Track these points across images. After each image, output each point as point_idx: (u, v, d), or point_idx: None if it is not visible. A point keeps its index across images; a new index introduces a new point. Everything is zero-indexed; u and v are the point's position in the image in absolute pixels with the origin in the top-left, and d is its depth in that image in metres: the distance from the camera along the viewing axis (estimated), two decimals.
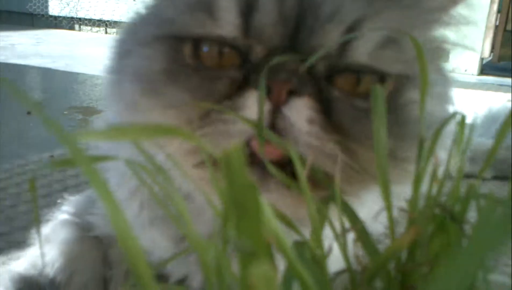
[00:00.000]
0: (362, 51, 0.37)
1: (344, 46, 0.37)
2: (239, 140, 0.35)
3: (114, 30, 4.51)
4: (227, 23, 0.37)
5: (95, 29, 4.60)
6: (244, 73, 0.38)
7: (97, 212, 0.56)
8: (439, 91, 0.43)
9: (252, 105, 0.36)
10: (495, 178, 1.21)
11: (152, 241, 0.50)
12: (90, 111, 1.70)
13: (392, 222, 0.32)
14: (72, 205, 0.62)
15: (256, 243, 0.17)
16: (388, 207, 0.32)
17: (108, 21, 4.51)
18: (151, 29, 0.42)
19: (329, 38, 0.36)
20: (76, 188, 1.00)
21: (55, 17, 4.75)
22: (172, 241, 0.50)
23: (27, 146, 1.31)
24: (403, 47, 0.38)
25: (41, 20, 4.82)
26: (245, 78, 0.38)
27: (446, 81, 0.45)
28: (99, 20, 4.55)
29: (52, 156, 1.18)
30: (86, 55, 3.07)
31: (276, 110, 0.36)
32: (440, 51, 0.44)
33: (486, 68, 3.32)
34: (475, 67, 3.22)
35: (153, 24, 0.43)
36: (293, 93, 0.36)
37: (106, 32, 4.56)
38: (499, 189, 1.14)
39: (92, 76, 2.33)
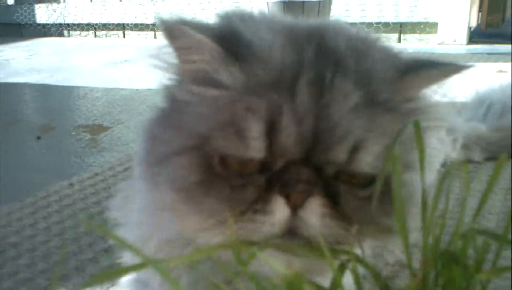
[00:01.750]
0: (364, 163, 0.45)
1: (350, 159, 0.45)
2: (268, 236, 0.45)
3: (103, 32, 4.53)
4: (256, 148, 0.45)
5: (84, 33, 4.62)
6: (267, 179, 0.46)
7: None
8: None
9: (277, 209, 0.44)
10: (487, 159, 1.27)
11: None
12: (97, 129, 1.75)
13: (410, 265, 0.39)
14: None
15: None
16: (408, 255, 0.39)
17: (96, 24, 4.52)
18: (184, 140, 0.48)
19: (339, 154, 0.45)
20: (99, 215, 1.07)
21: (43, 25, 4.77)
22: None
23: (43, 174, 1.37)
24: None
25: (29, 29, 4.83)
26: (268, 183, 0.46)
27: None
28: (88, 24, 4.56)
29: (71, 184, 1.24)
30: (81, 65, 3.11)
31: (295, 213, 0.45)
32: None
33: (474, 36, 3.36)
34: (464, 36, 3.26)
35: (185, 133, 0.48)
36: (307, 196, 0.44)
37: (95, 36, 4.58)
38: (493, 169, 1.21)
39: (92, 89, 2.38)
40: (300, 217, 0.45)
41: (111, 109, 2.00)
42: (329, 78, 0.46)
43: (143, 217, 0.57)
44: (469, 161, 1.26)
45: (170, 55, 0.51)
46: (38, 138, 1.67)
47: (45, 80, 2.69)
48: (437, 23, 3.33)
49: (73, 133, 1.71)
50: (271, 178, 0.46)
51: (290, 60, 0.47)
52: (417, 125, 0.37)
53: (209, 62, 0.48)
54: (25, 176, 1.36)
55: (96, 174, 1.30)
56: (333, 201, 0.45)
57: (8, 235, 1.00)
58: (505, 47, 3.03)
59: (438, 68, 0.51)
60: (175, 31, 0.48)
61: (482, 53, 2.87)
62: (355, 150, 0.45)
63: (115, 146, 1.57)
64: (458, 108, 1.44)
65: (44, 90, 2.45)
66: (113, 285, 0.81)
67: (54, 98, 2.28)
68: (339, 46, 0.49)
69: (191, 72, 0.50)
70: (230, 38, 0.48)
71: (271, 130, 0.44)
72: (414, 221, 0.41)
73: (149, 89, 2.28)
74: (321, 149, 0.45)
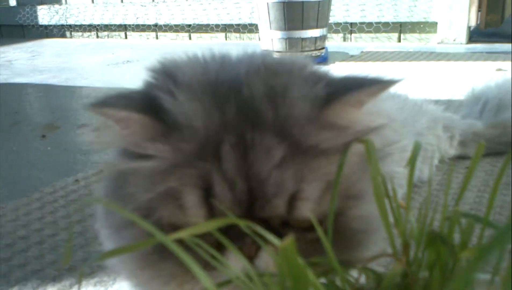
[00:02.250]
0: (305, 210, 0.46)
1: (290, 209, 0.46)
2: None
3: (105, 33, 4.56)
4: (197, 215, 0.46)
5: (86, 34, 4.66)
6: (215, 241, 0.45)
7: None
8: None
9: (234, 262, 0.44)
10: (484, 155, 1.29)
11: None
12: None
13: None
14: None
15: None
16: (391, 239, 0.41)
17: (98, 25, 4.56)
18: (131, 211, 0.47)
19: (276, 208, 0.46)
20: None
21: (46, 26, 4.81)
22: None
23: (49, 171, 1.40)
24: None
25: (31, 30, 4.87)
26: (219, 244, 0.44)
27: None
28: (90, 25, 4.60)
29: (77, 180, 1.27)
30: (84, 66, 3.14)
31: (252, 262, 0.46)
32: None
33: (473, 36, 3.39)
34: (463, 36, 3.29)
35: (131, 204, 0.48)
36: (258, 248, 0.46)
37: (97, 37, 4.61)
38: (492, 166, 1.23)
39: (94, 89, 2.41)
40: (257, 267, 0.46)
41: None
42: (249, 137, 0.46)
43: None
44: (466, 157, 1.29)
45: (106, 131, 0.51)
46: (43, 136, 1.70)
47: (48, 80, 2.72)
48: (436, 23, 3.36)
49: (77, 132, 1.74)
50: (221, 236, 0.46)
51: (212, 125, 0.47)
52: (368, 144, 0.39)
53: (137, 134, 0.48)
54: (31, 173, 1.39)
55: (101, 171, 1.33)
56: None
57: (16, 229, 1.03)
58: (504, 46, 3.06)
59: (360, 89, 0.48)
60: (101, 114, 0.48)
61: (481, 52, 2.89)
62: (292, 200, 0.46)
63: None
64: (455, 106, 1.47)
65: (48, 90, 2.48)
66: (120, 274, 0.84)
67: (57, 98, 2.31)
68: (255, 98, 0.48)
69: (128, 145, 0.50)
70: (155, 106, 0.48)
71: (208, 196, 0.46)
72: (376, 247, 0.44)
73: None
74: (259, 206, 0.46)
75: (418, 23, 3.44)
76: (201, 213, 0.46)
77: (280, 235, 0.46)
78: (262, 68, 0.52)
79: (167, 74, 0.52)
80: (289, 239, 0.27)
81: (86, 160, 1.46)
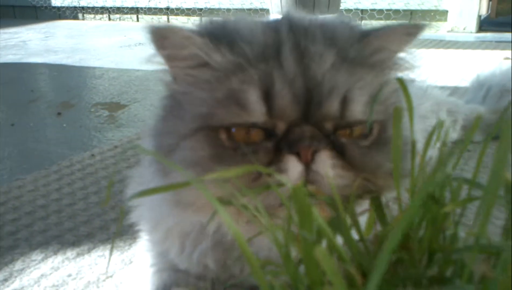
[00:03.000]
0: (356, 111, 0.51)
1: (343, 110, 0.50)
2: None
3: (117, 16, 4.60)
4: (257, 113, 0.50)
5: (98, 16, 4.70)
6: (274, 144, 0.50)
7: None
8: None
9: (291, 167, 0.48)
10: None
11: (204, 267, 0.63)
12: (115, 106, 1.83)
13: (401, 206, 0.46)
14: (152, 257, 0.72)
15: (312, 234, 0.31)
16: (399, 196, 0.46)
17: (111, 7, 4.60)
18: (189, 124, 0.52)
19: (331, 107, 0.50)
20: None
21: (58, 8, 4.85)
22: (218, 263, 0.62)
23: (65, 146, 1.45)
24: (381, 98, 0.52)
25: (44, 12, 4.92)
26: (277, 147, 0.50)
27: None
28: (102, 8, 4.64)
29: (93, 155, 1.32)
30: (97, 47, 3.19)
31: (307, 168, 0.48)
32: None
33: (484, 25, 3.39)
34: (473, 24, 3.30)
35: (188, 119, 0.53)
36: (315, 151, 0.48)
37: (109, 19, 4.65)
38: (493, 149, 1.27)
39: (108, 70, 2.46)
40: (313, 171, 0.48)
41: (127, 88, 2.08)
42: (303, 45, 0.52)
43: (156, 205, 0.63)
44: (471, 141, 1.32)
45: (160, 60, 0.56)
46: (59, 114, 1.76)
47: (62, 60, 2.77)
48: (447, 11, 3.37)
49: (92, 110, 1.80)
50: (277, 142, 0.50)
51: (270, 38, 0.53)
52: (401, 81, 0.44)
53: (200, 52, 0.52)
54: (48, 148, 1.45)
55: (116, 147, 1.38)
56: (339, 153, 0.50)
57: (36, 198, 1.08)
58: None
59: (397, 26, 0.56)
60: (166, 32, 0.52)
61: (491, 41, 2.91)
62: (344, 101, 0.50)
63: (132, 122, 1.65)
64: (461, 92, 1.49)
65: (62, 70, 2.53)
66: (135, 241, 0.90)
67: (71, 78, 2.36)
68: (303, 23, 0.55)
69: (184, 66, 0.54)
70: (215, 30, 0.54)
71: (267, 97, 0.49)
72: (408, 165, 0.46)
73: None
74: (315, 106, 0.50)
75: (429, 11, 3.45)
76: (262, 111, 0.50)
77: (335, 142, 0.50)
78: (303, 15, 0.60)
79: (221, 19, 0.58)
80: (300, 183, 0.31)
81: (101, 137, 1.52)
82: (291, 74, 0.50)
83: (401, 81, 0.43)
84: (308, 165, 0.48)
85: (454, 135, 1.31)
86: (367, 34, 0.55)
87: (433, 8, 3.43)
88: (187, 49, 0.53)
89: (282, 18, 0.58)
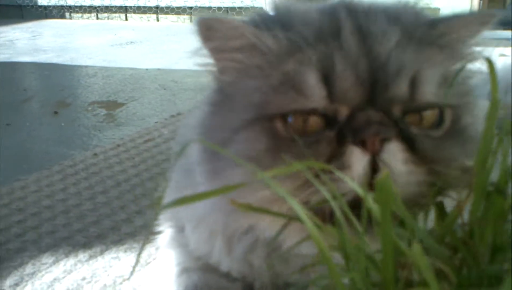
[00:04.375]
0: (427, 92, 0.46)
1: (413, 92, 0.46)
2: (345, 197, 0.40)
3: (105, 15, 4.54)
4: (316, 97, 0.45)
5: (86, 15, 4.63)
6: (337, 133, 0.45)
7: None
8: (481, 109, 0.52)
9: (356, 161, 0.42)
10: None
11: (249, 266, 0.60)
12: (112, 105, 1.79)
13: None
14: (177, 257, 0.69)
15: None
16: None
17: (99, 6, 4.54)
18: (241, 115, 0.48)
19: (400, 88, 0.45)
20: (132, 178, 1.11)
21: (45, 7, 4.77)
22: (263, 262, 0.59)
23: (65, 146, 1.41)
24: (454, 83, 0.47)
25: (30, 11, 4.84)
26: (339, 136, 0.45)
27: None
28: (90, 6, 4.58)
29: (95, 154, 1.28)
30: (87, 46, 3.14)
31: (374, 159, 0.43)
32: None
33: None
34: None
35: (241, 110, 0.49)
36: (384, 140, 0.43)
37: (97, 18, 4.59)
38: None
39: (101, 68, 2.42)
40: (381, 162, 0.43)
41: (123, 87, 2.04)
42: (365, 25, 0.48)
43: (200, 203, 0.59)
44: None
45: (206, 53, 0.52)
46: (55, 113, 1.71)
47: (53, 59, 2.72)
48: (439, 9, 3.38)
49: (89, 108, 1.76)
50: (340, 130, 0.45)
51: (327, 18, 0.49)
52: (489, 61, 0.39)
53: (251, 36, 0.49)
54: (46, 148, 1.40)
55: (118, 145, 1.35)
56: (409, 146, 0.44)
57: (41, 199, 1.05)
58: (506, 33, 3.07)
59: (470, 14, 0.52)
60: (214, 23, 0.49)
61: (483, 38, 2.91)
62: (414, 81, 0.45)
63: (131, 120, 1.62)
64: None
65: (53, 69, 2.48)
66: (149, 242, 0.87)
67: (64, 77, 2.31)
68: (363, 5, 0.51)
69: (232, 56, 0.51)
70: (265, 20, 0.50)
71: (327, 79, 0.45)
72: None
73: (159, 69, 2.32)
74: (381, 87, 0.45)
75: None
76: (322, 94, 0.45)
77: (405, 131, 0.45)
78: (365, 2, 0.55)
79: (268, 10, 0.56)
80: (386, 173, 0.29)
81: (101, 135, 1.48)
82: (353, 54, 0.46)
83: (489, 61, 0.38)
84: (375, 155, 0.43)
85: None
86: (436, 22, 0.50)
87: (425, 6, 3.42)
88: (238, 40, 0.49)
89: (337, 3, 0.53)
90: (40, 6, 4.79)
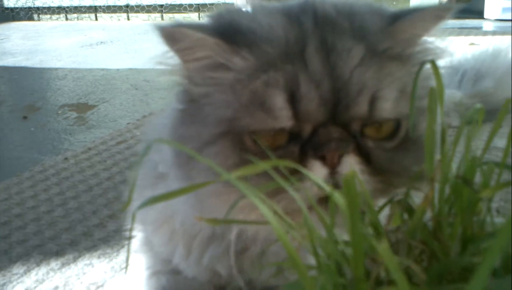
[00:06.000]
0: (385, 109, 0.48)
1: (372, 110, 0.47)
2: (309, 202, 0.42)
3: (74, 15, 4.47)
4: (284, 118, 0.47)
5: (55, 16, 4.55)
6: (300, 147, 0.48)
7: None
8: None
9: (316, 173, 0.46)
10: (468, 123, 1.33)
11: (214, 274, 0.60)
12: (83, 107, 1.76)
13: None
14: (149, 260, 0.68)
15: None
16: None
17: (67, 7, 4.46)
18: (211, 128, 0.49)
19: (360, 107, 0.47)
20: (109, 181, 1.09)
21: (12, 9, 4.68)
22: (230, 269, 0.58)
23: (35, 151, 1.39)
24: (410, 93, 0.48)
25: None
26: (302, 151, 0.47)
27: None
28: (59, 7, 4.50)
29: (66, 158, 1.26)
30: (57, 48, 3.08)
31: (333, 171, 0.46)
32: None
33: None
34: None
35: (211, 123, 0.49)
36: (342, 155, 0.46)
37: (66, 19, 4.52)
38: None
39: (71, 70, 2.38)
40: (339, 175, 0.46)
41: (94, 88, 2.01)
42: (330, 41, 0.48)
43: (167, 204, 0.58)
44: (448, 126, 1.32)
45: (173, 58, 0.52)
46: (25, 117, 1.68)
47: (22, 63, 2.67)
48: (409, 1, 3.41)
49: (59, 112, 1.72)
50: (303, 145, 0.48)
51: (293, 33, 0.49)
52: (433, 64, 0.41)
53: (215, 54, 0.49)
54: (16, 154, 1.37)
55: (90, 149, 1.32)
56: (365, 158, 0.47)
57: (11, 207, 1.02)
58: (475, 22, 3.13)
59: (427, 9, 0.51)
60: (175, 34, 0.48)
61: (453, 28, 2.95)
62: (373, 100, 0.47)
63: (103, 123, 1.59)
64: None
65: (23, 73, 2.43)
66: (123, 247, 0.85)
67: (33, 80, 2.27)
68: (330, 13, 0.51)
69: (200, 68, 0.51)
70: (229, 29, 0.50)
71: (293, 99, 0.47)
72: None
73: (130, 69, 2.29)
74: (343, 106, 0.47)
75: (391, 0, 3.48)
76: (289, 115, 0.47)
77: (361, 145, 0.48)
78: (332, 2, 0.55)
79: (237, 8, 0.55)
80: (352, 171, 0.28)
81: (72, 139, 1.45)
82: (317, 75, 0.47)
83: (434, 64, 0.40)
84: (334, 168, 0.46)
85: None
86: (396, 18, 0.51)
87: None
88: (201, 52, 0.49)
89: (305, 4, 0.53)
90: (7, 8, 4.69)
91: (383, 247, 0.26)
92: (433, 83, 0.52)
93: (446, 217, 0.40)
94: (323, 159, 0.46)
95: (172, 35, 0.49)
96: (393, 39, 0.51)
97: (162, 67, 0.53)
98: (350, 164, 0.46)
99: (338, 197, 0.30)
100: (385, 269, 0.32)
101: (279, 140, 0.48)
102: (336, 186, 0.45)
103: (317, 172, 0.46)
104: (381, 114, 0.48)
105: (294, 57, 0.48)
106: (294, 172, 0.44)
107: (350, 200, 0.28)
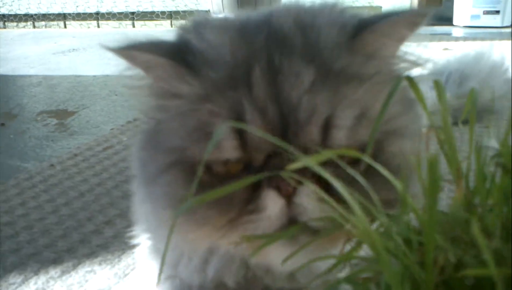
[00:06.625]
0: (339, 137, 0.44)
1: (325, 137, 0.44)
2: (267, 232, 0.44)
3: (42, 23, 4.38)
4: (229, 149, 0.44)
5: (22, 24, 4.45)
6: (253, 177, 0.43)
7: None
8: (411, 130, 0.48)
9: (271, 204, 0.43)
10: (454, 124, 1.35)
11: (221, 285, 0.58)
12: (62, 114, 1.72)
13: None
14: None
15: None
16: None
17: (35, 14, 4.37)
18: (165, 157, 0.48)
19: (311, 135, 0.43)
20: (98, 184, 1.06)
21: None
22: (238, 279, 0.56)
23: (17, 158, 1.34)
24: (373, 115, 0.44)
25: None
26: (255, 184, 0.44)
27: (415, 117, 0.50)
28: (26, 15, 4.40)
29: (52, 165, 1.22)
30: (28, 55, 3.00)
31: (289, 201, 0.43)
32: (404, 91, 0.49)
33: None
34: None
35: (164, 150, 0.48)
36: (298, 183, 0.42)
37: (34, 26, 4.42)
38: (460, 133, 1.29)
39: (45, 77, 2.32)
40: (296, 205, 0.43)
41: (71, 95, 1.97)
42: (277, 62, 0.45)
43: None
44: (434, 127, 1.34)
45: (133, 78, 0.51)
46: (2, 124, 1.62)
47: None
48: (381, 7, 3.47)
49: (38, 118, 1.67)
50: (256, 174, 0.42)
51: (241, 55, 0.46)
52: (411, 81, 0.38)
53: (164, 77, 0.48)
54: (1, 161, 1.32)
55: (76, 155, 1.29)
56: (324, 184, 0.42)
57: None
58: (445, 28, 3.20)
59: (398, 15, 0.46)
60: (128, 56, 0.48)
61: (425, 34, 3.01)
62: (326, 128, 0.43)
63: (85, 128, 1.55)
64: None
65: None
66: (124, 253, 0.82)
67: (7, 88, 2.20)
68: (283, 27, 0.47)
69: (153, 89, 0.50)
70: (182, 50, 0.48)
71: (239, 129, 0.43)
72: (416, 187, 0.39)
73: (107, 75, 2.25)
74: (292, 134, 0.43)
75: (363, 8, 3.53)
76: (233, 145, 0.44)
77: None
78: (293, 6, 0.52)
79: (197, 22, 0.52)
80: (435, 155, 0.27)
81: (54, 146, 1.41)
82: (261, 101, 0.44)
83: (411, 79, 0.38)
84: (290, 198, 0.43)
85: (423, 121, 1.32)
86: (362, 28, 0.47)
87: (367, 4, 3.52)
88: (152, 73, 0.49)
89: (263, 17, 0.50)
90: None
91: (475, 227, 0.25)
92: (411, 94, 0.48)
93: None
94: (278, 189, 0.43)
95: (125, 56, 0.48)
96: (353, 55, 0.46)
97: (127, 90, 0.53)
98: (307, 194, 0.43)
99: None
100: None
101: (232, 168, 0.46)
102: (292, 219, 0.44)
103: (272, 203, 0.43)
104: (335, 142, 0.44)
105: (240, 81, 0.44)
106: (249, 202, 0.44)
107: (431, 181, 0.28)
